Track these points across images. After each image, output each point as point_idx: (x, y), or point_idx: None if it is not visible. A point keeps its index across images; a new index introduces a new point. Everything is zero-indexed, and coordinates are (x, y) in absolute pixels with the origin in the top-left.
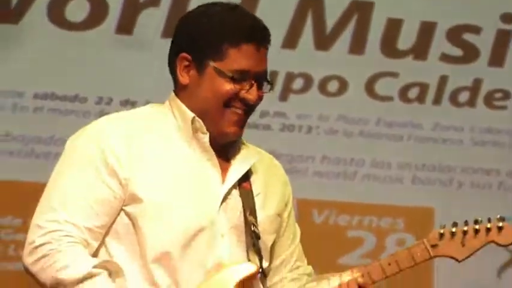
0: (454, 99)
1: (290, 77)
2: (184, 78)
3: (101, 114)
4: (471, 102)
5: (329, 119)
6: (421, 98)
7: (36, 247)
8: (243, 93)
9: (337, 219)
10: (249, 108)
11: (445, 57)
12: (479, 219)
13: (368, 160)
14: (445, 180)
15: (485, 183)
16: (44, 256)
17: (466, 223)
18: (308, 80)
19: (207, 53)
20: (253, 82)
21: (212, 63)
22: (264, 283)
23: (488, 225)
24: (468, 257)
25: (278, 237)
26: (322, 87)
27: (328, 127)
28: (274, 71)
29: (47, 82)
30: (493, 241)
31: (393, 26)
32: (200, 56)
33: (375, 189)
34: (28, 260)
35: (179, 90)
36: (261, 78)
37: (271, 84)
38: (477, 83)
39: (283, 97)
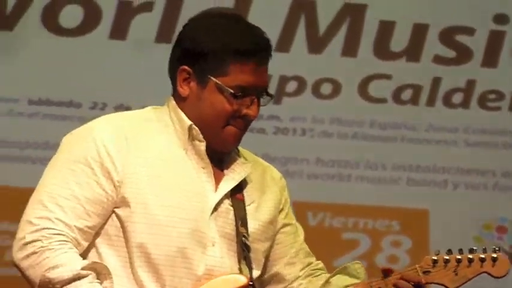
0: (447, 100)
1: (283, 80)
2: (184, 90)
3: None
4: (465, 104)
5: (323, 121)
6: (414, 100)
7: (26, 243)
8: (243, 110)
9: (332, 221)
10: (248, 123)
11: (438, 59)
12: (474, 248)
13: (362, 162)
14: (440, 181)
15: (480, 184)
16: (33, 253)
17: (460, 251)
18: (301, 83)
19: (209, 68)
20: (254, 98)
21: (214, 79)
22: None
23: (483, 255)
24: (460, 286)
25: (275, 242)
26: (316, 89)
27: (322, 129)
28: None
29: (42, 88)
30: (486, 272)
31: (386, 28)
32: (202, 69)
33: (369, 191)
34: (18, 255)
35: (178, 99)
36: (262, 92)
37: (271, 96)
38: (470, 84)
39: (277, 100)
